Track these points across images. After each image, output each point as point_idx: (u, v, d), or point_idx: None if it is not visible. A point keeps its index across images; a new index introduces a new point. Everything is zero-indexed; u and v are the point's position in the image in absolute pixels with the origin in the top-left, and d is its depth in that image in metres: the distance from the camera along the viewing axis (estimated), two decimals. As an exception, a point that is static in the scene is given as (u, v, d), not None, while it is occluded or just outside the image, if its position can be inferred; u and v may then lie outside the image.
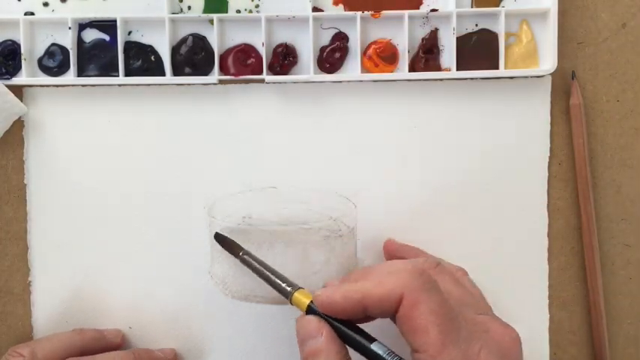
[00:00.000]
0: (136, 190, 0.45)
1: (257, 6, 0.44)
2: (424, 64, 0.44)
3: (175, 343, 0.45)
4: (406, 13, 0.44)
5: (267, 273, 0.39)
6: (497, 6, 0.44)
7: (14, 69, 0.44)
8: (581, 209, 0.45)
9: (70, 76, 0.44)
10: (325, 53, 0.45)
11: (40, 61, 0.45)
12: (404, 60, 0.44)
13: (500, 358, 0.32)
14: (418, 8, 0.44)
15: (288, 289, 0.37)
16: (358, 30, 0.44)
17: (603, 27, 0.45)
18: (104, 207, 0.45)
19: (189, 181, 0.45)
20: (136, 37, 0.45)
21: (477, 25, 0.45)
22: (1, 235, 0.45)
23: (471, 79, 0.45)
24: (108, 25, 0.44)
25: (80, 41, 0.45)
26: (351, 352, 0.34)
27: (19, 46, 0.44)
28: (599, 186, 0.46)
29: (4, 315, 0.45)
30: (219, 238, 0.43)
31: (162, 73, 0.44)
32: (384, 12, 0.44)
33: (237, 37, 0.45)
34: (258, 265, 0.40)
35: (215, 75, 0.44)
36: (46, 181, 0.45)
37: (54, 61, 0.45)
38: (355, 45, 0.44)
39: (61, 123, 0.45)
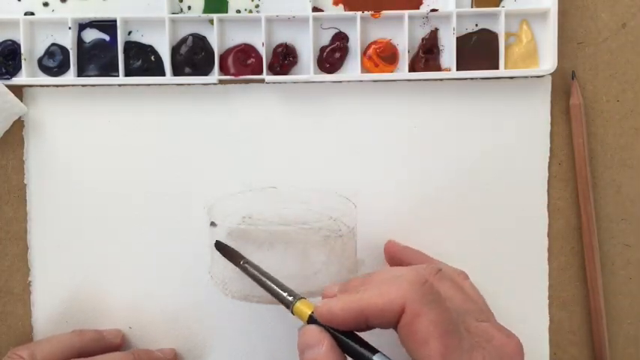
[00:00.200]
0: (136, 190, 0.45)
1: (257, 6, 0.44)
2: (424, 64, 0.44)
3: (175, 343, 0.45)
4: (406, 13, 0.44)
5: (269, 282, 0.39)
6: (497, 6, 0.44)
7: (14, 69, 0.44)
8: (581, 209, 0.45)
9: (70, 76, 0.44)
10: (325, 53, 0.45)
11: (40, 61, 0.45)
12: (404, 60, 0.44)
13: None
14: (418, 8, 0.44)
15: (290, 298, 0.37)
16: (358, 30, 0.44)
17: (603, 27, 0.45)
18: (104, 207, 0.45)
19: (189, 181, 0.45)
20: (136, 37, 0.45)
21: (477, 25, 0.45)
22: (1, 235, 0.45)
23: (471, 79, 0.45)
24: (108, 25, 0.44)
25: (80, 41, 0.45)
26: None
27: (19, 46, 0.44)
28: (599, 186, 0.46)
29: (4, 315, 0.45)
30: (220, 247, 0.43)
31: (163, 73, 0.44)
32: (384, 12, 0.44)
33: (237, 37, 0.45)
34: (259, 275, 0.40)
35: (215, 75, 0.44)
36: (46, 181, 0.45)
37: (54, 61, 0.45)
38: (355, 45, 0.44)
39: (61, 123, 0.45)
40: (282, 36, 0.45)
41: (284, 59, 0.44)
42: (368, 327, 0.33)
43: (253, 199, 0.45)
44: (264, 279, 0.39)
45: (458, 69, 0.44)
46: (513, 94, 0.45)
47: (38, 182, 0.45)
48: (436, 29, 0.45)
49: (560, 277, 0.46)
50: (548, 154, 0.45)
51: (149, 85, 0.45)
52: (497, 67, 0.44)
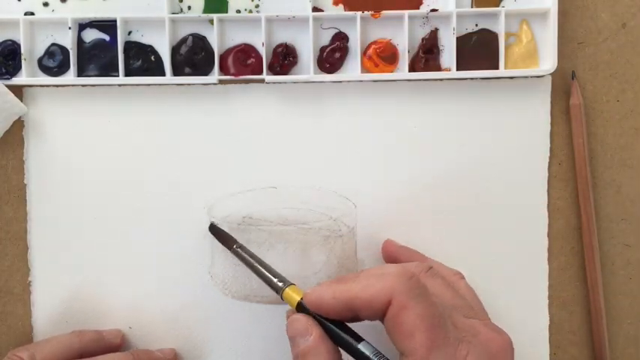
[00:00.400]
0: (136, 190, 0.45)
1: (257, 6, 0.44)
2: (424, 64, 0.44)
3: (175, 343, 0.45)
4: (406, 13, 0.44)
5: (260, 267, 0.39)
6: (497, 6, 0.44)
7: (14, 69, 0.44)
8: (581, 209, 0.45)
9: (70, 76, 0.44)
10: (325, 53, 0.45)
11: (40, 61, 0.45)
12: (404, 60, 0.44)
13: None
14: (418, 8, 0.44)
15: (280, 284, 0.37)
16: (358, 30, 0.44)
17: (603, 27, 0.45)
18: (104, 207, 0.45)
19: (189, 181, 0.45)
20: (136, 37, 0.45)
21: (477, 25, 0.45)
22: (1, 235, 0.45)
23: (471, 79, 0.45)
24: (108, 25, 0.44)
25: (80, 41, 0.45)
26: (343, 353, 0.34)
27: (19, 46, 0.44)
28: (599, 186, 0.46)
29: (4, 315, 0.45)
30: (214, 230, 0.43)
31: (163, 73, 0.44)
32: (384, 12, 0.44)
33: (237, 37, 0.45)
34: (251, 259, 0.40)
35: (215, 75, 0.44)
36: (46, 181, 0.45)
37: (54, 61, 0.45)
38: (355, 45, 0.44)
39: (61, 123, 0.45)
40: (282, 36, 0.45)
41: (284, 59, 0.44)
42: (356, 317, 0.34)
43: (253, 199, 0.45)
44: (255, 264, 0.40)
45: (458, 69, 0.44)
46: (513, 94, 0.45)
47: (38, 182, 0.45)
48: (436, 29, 0.45)
49: (560, 277, 0.46)
50: (548, 154, 0.45)
51: (149, 85, 0.45)
52: (497, 67, 0.44)
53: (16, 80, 0.44)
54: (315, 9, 0.44)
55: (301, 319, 0.35)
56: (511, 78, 0.45)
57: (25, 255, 0.45)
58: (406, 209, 0.45)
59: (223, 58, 0.45)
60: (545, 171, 0.45)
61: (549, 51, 0.44)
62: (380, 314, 0.32)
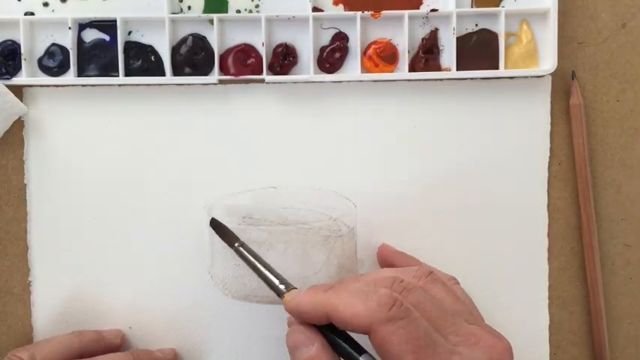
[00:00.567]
0: (136, 190, 0.45)
1: (257, 6, 0.44)
2: (424, 64, 0.44)
3: (175, 343, 0.45)
4: (406, 13, 0.44)
5: (262, 268, 0.38)
6: (497, 6, 0.44)
7: (14, 69, 0.44)
8: (581, 209, 0.45)
9: (70, 76, 0.44)
10: (325, 53, 0.45)
11: (40, 61, 0.45)
12: (404, 60, 0.44)
13: None
14: (418, 8, 0.44)
15: (282, 287, 0.37)
16: (358, 30, 0.44)
17: (603, 27, 0.45)
18: (104, 207, 0.45)
19: (189, 181, 0.45)
20: (136, 37, 0.45)
21: (477, 25, 0.45)
22: (1, 235, 0.45)
23: (471, 79, 0.45)
24: (108, 25, 0.44)
25: (80, 41, 0.45)
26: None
27: (19, 46, 0.44)
28: (599, 186, 0.46)
29: (4, 315, 0.45)
30: (215, 225, 0.41)
31: (163, 73, 0.44)
32: (384, 12, 0.44)
33: (237, 37, 0.45)
34: (252, 259, 0.39)
35: (215, 75, 0.44)
36: (46, 181, 0.45)
37: (54, 61, 0.45)
38: (355, 45, 0.44)
39: (61, 123, 0.45)
40: (282, 36, 0.45)
41: (284, 59, 0.44)
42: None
43: (253, 199, 0.45)
44: (257, 264, 0.38)
45: (458, 69, 0.44)
46: (513, 94, 0.45)
47: (38, 182, 0.45)
48: (436, 29, 0.45)
49: (560, 277, 0.46)
50: (548, 154, 0.45)
51: (149, 85, 0.45)
52: (497, 67, 0.44)
53: (16, 80, 0.44)
54: (315, 9, 0.44)
55: (303, 329, 0.34)
56: (511, 78, 0.45)
57: (25, 255, 0.45)
58: (406, 209, 0.45)
59: (223, 58, 0.45)
60: (545, 171, 0.45)
61: (549, 51, 0.44)
62: (360, 332, 0.32)
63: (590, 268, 0.45)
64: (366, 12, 0.44)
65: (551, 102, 0.45)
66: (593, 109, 0.45)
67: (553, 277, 0.46)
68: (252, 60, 0.44)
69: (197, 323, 0.45)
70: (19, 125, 0.45)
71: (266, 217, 0.44)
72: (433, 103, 0.45)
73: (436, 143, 0.45)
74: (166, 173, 0.45)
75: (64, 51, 0.44)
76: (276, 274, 0.38)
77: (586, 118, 0.45)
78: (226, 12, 0.44)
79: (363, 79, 0.44)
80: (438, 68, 0.45)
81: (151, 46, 0.45)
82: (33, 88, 0.45)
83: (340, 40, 0.45)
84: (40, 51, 0.45)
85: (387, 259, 0.43)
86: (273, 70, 0.44)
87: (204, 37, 0.44)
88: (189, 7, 0.45)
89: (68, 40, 0.44)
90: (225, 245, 0.44)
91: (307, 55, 0.44)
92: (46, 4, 0.44)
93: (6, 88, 0.43)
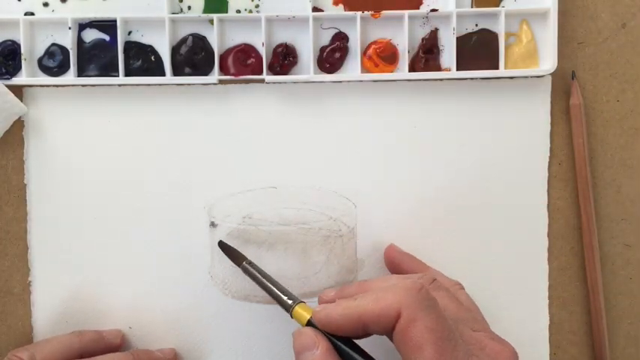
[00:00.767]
0: (136, 190, 0.45)
1: (257, 6, 0.44)
2: (424, 64, 0.44)
3: (175, 343, 0.45)
4: (406, 13, 0.44)
5: (270, 285, 0.39)
6: (497, 6, 0.44)
7: (14, 69, 0.44)
8: (581, 209, 0.45)
9: (70, 76, 0.44)
10: (325, 53, 0.45)
11: (40, 61, 0.45)
12: (404, 60, 0.44)
13: None
14: (418, 8, 0.44)
15: (290, 302, 0.37)
16: (358, 30, 0.44)
17: (603, 27, 0.45)
18: (104, 207, 0.45)
19: (189, 181, 0.45)
20: (136, 37, 0.45)
21: (477, 25, 0.45)
22: (1, 235, 0.45)
23: (471, 79, 0.45)
24: (108, 25, 0.44)
25: (80, 41, 0.45)
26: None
27: (19, 46, 0.44)
28: (599, 186, 0.46)
29: (4, 315, 0.45)
30: (223, 247, 0.43)
31: (163, 73, 0.44)
32: (384, 12, 0.44)
33: (237, 37, 0.45)
34: (260, 277, 0.40)
35: (215, 75, 0.44)
36: (46, 181, 0.45)
37: (54, 61, 0.45)
38: (355, 45, 0.44)
39: (61, 123, 0.45)
40: (282, 36, 0.45)
41: (284, 59, 0.44)
42: (365, 333, 0.34)
43: (253, 199, 0.45)
44: (265, 281, 0.39)
45: (458, 69, 0.44)
46: (513, 94, 0.45)
47: (38, 182, 0.45)
48: (436, 29, 0.45)
49: (560, 277, 0.46)
50: (548, 154, 0.45)
51: (149, 85, 0.45)
52: (497, 67, 0.44)
53: (16, 80, 0.44)
54: (315, 9, 0.44)
55: (308, 332, 0.35)
56: (511, 78, 0.45)
57: (25, 255, 0.45)
58: (406, 209, 0.45)
59: (223, 58, 0.45)
60: (545, 171, 0.45)
61: (549, 51, 0.44)
62: (389, 328, 0.32)
63: (590, 268, 0.45)
64: (366, 12, 0.44)
65: (551, 102, 0.45)
66: (593, 109, 0.45)
67: (553, 277, 0.46)
68: (252, 60, 0.44)
69: (197, 323, 0.45)
70: (19, 125, 0.45)
71: (266, 217, 0.44)
72: (433, 103, 0.45)
73: (436, 143, 0.45)
74: (166, 173, 0.45)
75: (64, 51, 0.44)
76: (284, 290, 0.38)
77: (586, 118, 0.45)
78: (226, 12, 0.44)
79: (363, 79, 0.44)
80: (438, 68, 0.45)
81: (151, 46, 0.45)
82: (33, 88, 0.45)
83: (340, 40, 0.45)
84: (40, 51, 0.45)
85: (394, 260, 0.43)
86: (273, 70, 0.44)
87: (204, 37, 0.44)
88: (189, 7, 0.45)
89: (68, 40, 0.44)
90: (225, 245, 0.44)
91: (307, 55, 0.44)
92: (46, 4, 0.44)
93: (6, 88, 0.44)
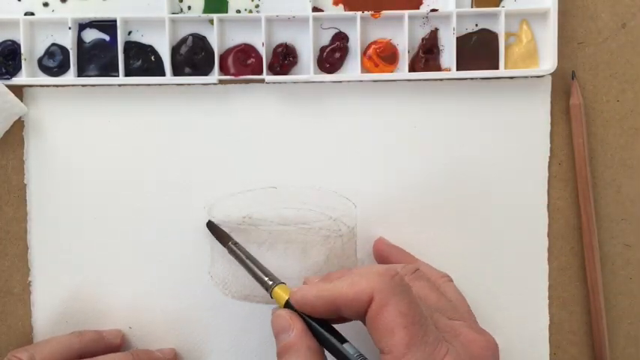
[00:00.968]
0: (136, 190, 0.45)
1: (257, 6, 0.44)
2: (424, 64, 0.44)
3: (175, 343, 0.45)
4: (406, 13, 0.44)
5: (252, 265, 0.40)
6: (497, 6, 0.44)
7: (14, 69, 0.44)
8: (581, 209, 0.45)
9: (70, 76, 0.44)
10: (325, 53, 0.45)
11: (40, 61, 0.45)
12: (404, 60, 0.44)
13: None
14: (418, 8, 0.44)
15: (270, 282, 0.38)
16: (358, 30, 0.44)
17: (603, 27, 0.45)
18: (104, 207, 0.45)
19: (189, 181, 0.45)
20: (136, 37, 0.45)
21: (477, 25, 0.45)
22: (1, 235, 0.45)
23: (471, 79, 0.45)
24: (108, 25, 0.44)
25: (80, 41, 0.45)
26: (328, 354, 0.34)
27: (19, 46, 0.44)
28: (599, 186, 0.46)
29: (4, 315, 0.45)
30: (211, 226, 0.43)
31: (163, 73, 0.44)
32: (384, 12, 0.44)
33: (237, 37, 0.45)
34: (244, 257, 0.41)
35: (215, 75, 0.44)
36: (46, 181, 0.45)
37: (54, 61, 0.45)
38: (355, 45, 0.44)
39: (61, 123, 0.45)
40: (282, 36, 0.45)
41: (284, 59, 0.44)
42: (340, 317, 0.34)
43: (253, 199, 0.45)
44: (248, 261, 0.40)
45: (458, 69, 0.44)
46: (513, 94, 0.45)
47: (38, 182, 0.45)
48: (436, 29, 0.45)
49: (560, 277, 0.46)
50: (548, 154, 0.45)
51: (149, 85, 0.45)
52: (497, 67, 0.44)
53: (16, 80, 0.44)
54: (315, 9, 0.44)
55: (284, 314, 0.35)
56: (511, 78, 0.45)
57: (25, 255, 0.45)
58: (406, 209, 0.45)
59: (223, 58, 0.45)
60: (545, 171, 0.45)
61: (549, 51, 0.44)
62: (362, 312, 0.32)
63: (590, 268, 0.45)
64: (366, 12, 0.44)
65: (551, 102, 0.45)
66: (593, 109, 0.45)
67: (553, 277, 0.46)
68: (252, 60, 0.44)
69: (197, 323, 0.45)
70: (19, 125, 0.45)
71: (266, 217, 0.44)
72: (433, 103, 0.45)
73: (436, 143, 0.45)
74: (166, 173, 0.45)
75: (64, 51, 0.44)
76: (266, 271, 0.39)
77: (586, 118, 0.45)
78: (226, 12, 0.44)
79: (363, 79, 0.44)
80: (438, 68, 0.45)
81: (151, 46, 0.45)
82: (33, 88, 0.45)
83: (340, 40, 0.45)
84: (40, 51, 0.45)
85: (382, 253, 0.44)
86: (273, 70, 0.44)
87: (204, 37, 0.44)
88: (189, 7, 0.45)
89: (68, 40, 0.44)
90: (225, 245, 0.44)
91: (307, 55, 0.44)
92: (46, 4, 0.44)
93: (6, 88, 0.44)
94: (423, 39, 0.45)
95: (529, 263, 0.45)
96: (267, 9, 0.44)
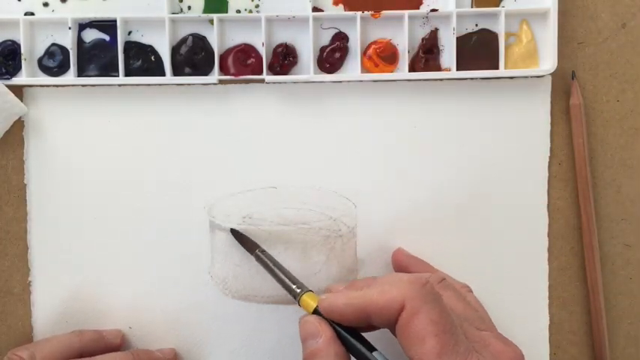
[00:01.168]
0: (136, 190, 0.45)
1: (257, 6, 0.44)
2: (424, 64, 0.44)
3: (175, 343, 0.45)
4: (406, 13, 0.44)
5: (280, 273, 0.39)
6: (497, 6, 0.44)
7: (14, 69, 0.44)
8: (581, 209, 0.45)
9: (70, 76, 0.44)
10: (325, 53, 0.45)
11: (40, 61, 0.45)
12: (404, 60, 0.44)
13: None
14: (418, 8, 0.44)
15: (297, 290, 0.38)
16: (358, 30, 0.44)
17: (603, 27, 0.45)
18: (104, 207, 0.45)
19: (190, 181, 0.45)
20: (136, 37, 0.45)
21: (477, 25, 0.45)
22: (1, 235, 0.45)
23: (471, 79, 0.45)
24: (108, 25, 0.44)
25: (80, 41, 0.45)
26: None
27: (19, 46, 0.44)
28: (599, 186, 0.46)
29: (4, 315, 0.45)
30: (236, 235, 0.43)
31: (163, 73, 0.44)
32: (384, 12, 0.44)
33: (237, 37, 0.45)
34: (271, 264, 0.40)
35: (215, 75, 0.44)
36: (46, 181, 0.45)
37: (54, 61, 0.45)
38: (355, 45, 0.44)
39: (61, 123, 0.45)
40: (282, 36, 0.45)
41: (284, 59, 0.44)
42: (369, 325, 0.34)
43: (253, 199, 0.45)
44: (275, 269, 0.40)
45: (458, 69, 0.44)
46: (513, 94, 0.45)
47: (38, 182, 0.45)
48: (436, 29, 0.45)
49: (560, 277, 0.46)
50: (548, 154, 0.45)
51: (149, 85, 0.45)
52: (497, 67, 0.44)
53: (16, 80, 0.44)
54: (315, 9, 0.44)
55: (312, 320, 0.35)
56: (511, 78, 0.45)
57: (25, 255, 0.45)
58: (406, 209, 0.45)
59: (223, 58, 0.45)
60: (545, 171, 0.45)
61: (549, 51, 0.44)
62: (393, 320, 0.32)
63: (590, 268, 0.45)
64: (366, 12, 0.44)
65: (551, 102, 0.45)
66: (593, 109, 0.45)
67: (553, 277, 0.46)
68: (252, 60, 0.44)
69: (197, 323, 0.45)
70: (19, 125, 0.45)
71: (266, 217, 0.44)
72: (433, 103, 0.45)
73: (436, 143, 0.45)
74: (166, 173, 0.45)
75: (64, 51, 0.44)
76: (293, 279, 0.39)
77: (586, 118, 0.45)
78: (226, 12, 0.44)
79: (363, 79, 0.44)
80: (438, 68, 0.45)
81: (151, 46, 0.45)
82: (33, 88, 0.45)
83: (340, 40, 0.45)
84: (40, 51, 0.45)
85: (401, 263, 0.44)
86: (273, 70, 0.44)
87: (204, 37, 0.44)
88: (189, 7, 0.45)
89: (68, 40, 0.44)
90: (225, 245, 0.44)
91: (307, 55, 0.44)
92: (46, 4, 0.44)
93: (6, 88, 0.44)
94: (423, 39, 0.45)
95: (529, 263, 0.45)
96: (267, 9, 0.44)
